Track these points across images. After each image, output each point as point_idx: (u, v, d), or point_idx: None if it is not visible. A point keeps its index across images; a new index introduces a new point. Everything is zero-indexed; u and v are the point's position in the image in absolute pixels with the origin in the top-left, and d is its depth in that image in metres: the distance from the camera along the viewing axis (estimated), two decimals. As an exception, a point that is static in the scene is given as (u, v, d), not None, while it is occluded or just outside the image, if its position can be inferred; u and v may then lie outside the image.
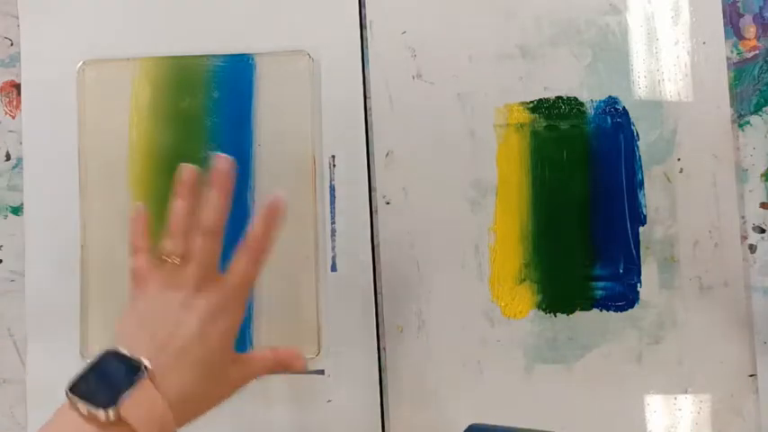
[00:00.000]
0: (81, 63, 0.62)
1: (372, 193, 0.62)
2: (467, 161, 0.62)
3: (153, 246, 0.47)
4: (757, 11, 0.62)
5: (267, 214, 0.48)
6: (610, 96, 0.62)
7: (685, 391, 0.60)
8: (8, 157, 0.62)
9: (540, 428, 0.44)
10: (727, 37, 0.62)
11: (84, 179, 0.61)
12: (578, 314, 0.61)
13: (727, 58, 0.62)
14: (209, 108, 0.61)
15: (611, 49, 0.62)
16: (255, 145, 0.61)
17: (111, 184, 0.61)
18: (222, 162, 0.47)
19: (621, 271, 0.61)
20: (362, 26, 0.63)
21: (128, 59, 0.62)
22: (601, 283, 0.61)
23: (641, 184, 0.61)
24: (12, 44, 0.63)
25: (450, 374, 0.61)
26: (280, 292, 0.60)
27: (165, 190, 0.60)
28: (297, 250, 0.60)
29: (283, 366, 0.48)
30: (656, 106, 0.62)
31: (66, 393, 0.40)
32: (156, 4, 0.63)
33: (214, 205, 0.46)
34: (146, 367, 0.41)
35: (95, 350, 0.59)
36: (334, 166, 0.61)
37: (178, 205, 0.47)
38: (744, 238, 0.61)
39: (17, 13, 0.63)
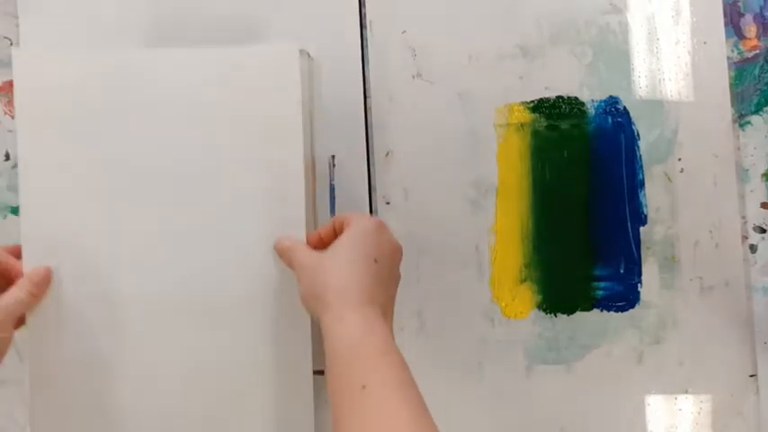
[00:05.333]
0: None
1: (372, 193, 0.62)
2: (467, 161, 0.62)
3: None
4: (758, 10, 0.62)
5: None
6: (610, 96, 0.62)
7: (685, 391, 0.60)
8: (8, 157, 0.62)
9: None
10: (727, 36, 0.62)
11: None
12: (579, 314, 0.61)
13: (728, 58, 0.62)
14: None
15: (612, 48, 0.62)
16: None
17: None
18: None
19: (622, 271, 0.61)
20: (362, 26, 0.63)
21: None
22: (601, 284, 0.61)
23: (642, 183, 0.61)
24: (12, 44, 0.63)
25: (450, 374, 0.61)
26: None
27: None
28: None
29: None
30: (656, 106, 0.62)
31: None
32: (155, 4, 0.63)
33: None
34: None
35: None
36: (334, 166, 0.61)
37: None
38: (744, 237, 0.61)
39: (17, 13, 0.63)
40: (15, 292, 0.52)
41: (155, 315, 0.56)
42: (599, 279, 0.61)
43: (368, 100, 0.62)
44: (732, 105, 0.62)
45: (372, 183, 0.62)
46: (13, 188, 0.62)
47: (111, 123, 0.55)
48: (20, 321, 0.54)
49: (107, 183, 0.56)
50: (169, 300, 0.56)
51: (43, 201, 0.55)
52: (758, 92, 0.62)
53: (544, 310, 0.61)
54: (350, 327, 0.45)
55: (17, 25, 0.63)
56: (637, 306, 0.61)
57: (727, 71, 0.62)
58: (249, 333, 0.57)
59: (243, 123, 0.56)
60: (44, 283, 0.53)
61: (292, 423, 0.58)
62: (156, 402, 0.57)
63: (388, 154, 0.62)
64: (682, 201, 0.61)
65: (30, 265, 0.55)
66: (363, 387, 0.42)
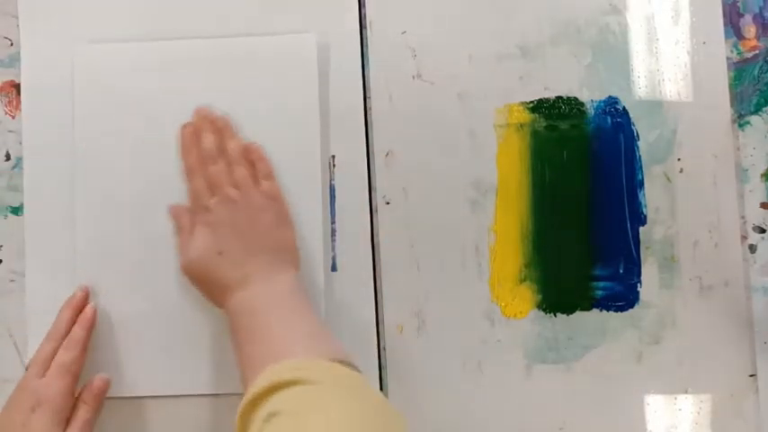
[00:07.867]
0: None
1: (372, 193, 0.62)
2: (467, 161, 0.62)
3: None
4: (757, 11, 0.62)
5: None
6: (610, 96, 0.62)
7: (685, 391, 0.60)
8: (8, 157, 0.62)
9: None
10: (727, 37, 0.62)
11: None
12: (578, 314, 0.61)
13: (728, 58, 0.62)
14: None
15: (611, 49, 0.62)
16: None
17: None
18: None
19: (621, 271, 0.61)
20: (362, 26, 0.63)
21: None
22: (601, 283, 0.61)
23: (641, 183, 0.61)
24: (12, 44, 0.63)
25: (450, 374, 0.61)
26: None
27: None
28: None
29: None
30: (656, 106, 0.62)
31: None
32: (154, 4, 0.63)
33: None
34: None
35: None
36: (334, 166, 0.61)
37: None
38: (744, 238, 0.61)
39: (17, 13, 0.63)
40: (82, 414, 0.56)
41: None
42: (598, 279, 0.61)
43: (368, 100, 0.62)
44: (731, 106, 0.62)
45: (372, 183, 0.62)
46: (14, 188, 0.62)
47: (152, 108, 0.61)
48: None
49: (148, 161, 0.61)
50: None
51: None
52: (757, 92, 0.62)
53: (544, 310, 0.61)
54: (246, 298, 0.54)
55: (17, 25, 0.63)
56: (636, 306, 0.61)
57: (726, 71, 0.62)
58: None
59: (265, 108, 0.61)
60: (102, 392, 0.57)
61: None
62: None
63: (388, 154, 0.62)
64: (681, 201, 0.61)
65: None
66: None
